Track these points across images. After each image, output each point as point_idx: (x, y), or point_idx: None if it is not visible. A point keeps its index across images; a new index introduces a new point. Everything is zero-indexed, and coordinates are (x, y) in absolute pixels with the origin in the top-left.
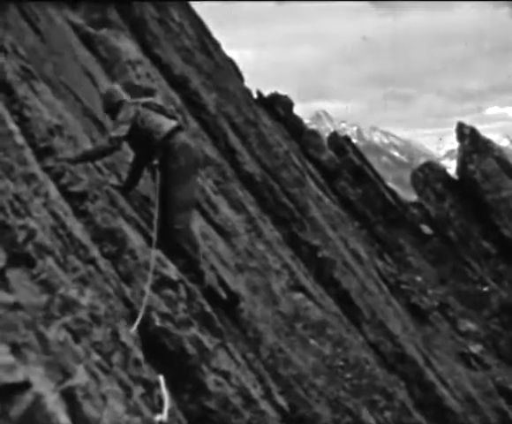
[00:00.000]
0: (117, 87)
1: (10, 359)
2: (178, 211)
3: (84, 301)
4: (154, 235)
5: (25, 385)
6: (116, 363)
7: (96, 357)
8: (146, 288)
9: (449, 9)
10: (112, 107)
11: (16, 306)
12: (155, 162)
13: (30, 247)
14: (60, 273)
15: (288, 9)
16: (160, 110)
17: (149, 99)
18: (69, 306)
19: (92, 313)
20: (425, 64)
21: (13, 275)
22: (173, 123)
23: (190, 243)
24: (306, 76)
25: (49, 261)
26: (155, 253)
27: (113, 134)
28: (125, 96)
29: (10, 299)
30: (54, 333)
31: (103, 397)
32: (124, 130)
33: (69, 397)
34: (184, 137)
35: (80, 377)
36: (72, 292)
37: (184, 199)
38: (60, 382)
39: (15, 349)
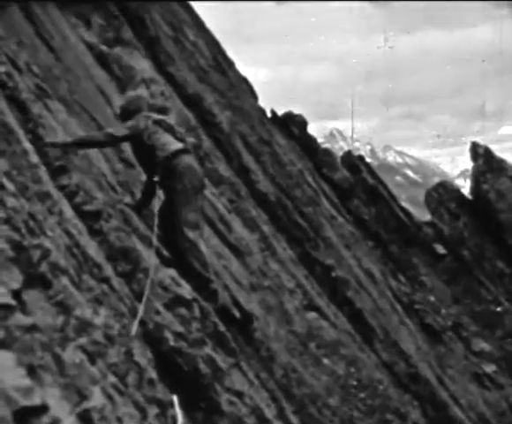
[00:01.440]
0: (145, 95)
1: (27, 382)
2: (185, 230)
3: (98, 321)
4: (152, 253)
5: (42, 408)
6: (131, 384)
7: (112, 378)
8: (146, 290)
9: (464, 28)
10: (127, 114)
11: (33, 328)
12: (156, 179)
13: (45, 267)
14: (75, 293)
15: (301, 28)
16: (170, 130)
17: (162, 117)
18: (84, 327)
19: (106, 332)
20: (440, 83)
21: (30, 296)
22: (179, 145)
23: (199, 262)
24: (320, 95)
25: (64, 280)
26: (168, 271)
27: (109, 130)
28: (145, 108)
29: (27, 321)
30: (70, 355)
31: (119, 420)
32: (121, 132)
33: (85, 419)
34: (188, 159)
35: (96, 399)
36: (88, 313)
37: (190, 218)
38: (76, 404)
39: (32, 371)
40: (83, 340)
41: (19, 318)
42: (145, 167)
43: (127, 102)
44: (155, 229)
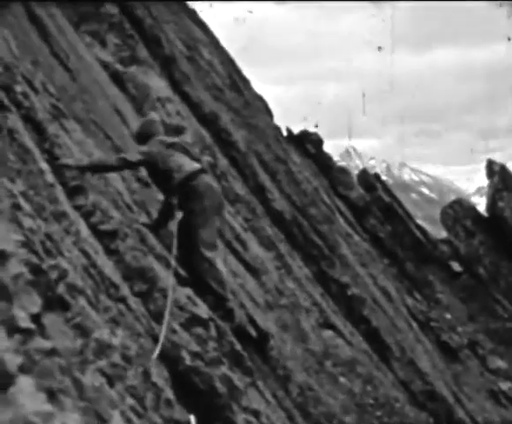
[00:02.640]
0: (158, 119)
1: (47, 407)
2: (203, 250)
3: (116, 342)
4: (170, 278)
5: None
6: (149, 406)
7: (131, 401)
8: (166, 315)
9: (478, 45)
10: (143, 138)
11: (52, 352)
12: (174, 201)
13: (62, 288)
14: (93, 314)
15: (316, 45)
16: (184, 151)
17: (176, 139)
18: (103, 349)
19: (124, 353)
20: (455, 101)
21: (49, 319)
22: (196, 165)
23: (216, 281)
24: (336, 113)
25: (82, 301)
26: (185, 291)
27: (123, 155)
28: (161, 132)
29: (46, 345)
30: (89, 378)
31: None
32: (135, 158)
33: None
34: (207, 179)
35: (116, 423)
36: (106, 335)
37: (208, 239)
38: None
39: (52, 396)
40: (102, 363)
41: (39, 342)
42: (162, 189)
43: (141, 126)
44: (174, 250)
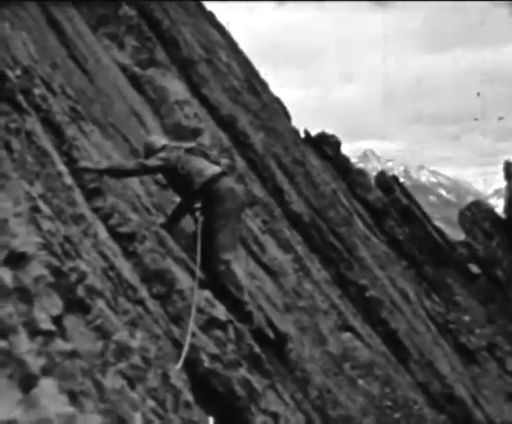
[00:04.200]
0: (155, 137)
1: (69, 409)
2: (221, 253)
3: (135, 344)
4: (195, 282)
5: None
6: (169, 408)
7: (151, 403)
8: (191, 324)
9: (497, 49)
10: (154, 153)
11: (73, 354)
12: (197, 205)
13: (82, 290)
14: (112, 316)
15: (334, 47)
16: (203, 155)
17: (193, 144)
18: (123, 351)
19: (143, 355)
20: (472, 103)
21: (70, 321)
22: (216, 168)
23: (234, 284)
24: (354, 115)
25: (101, 303)
26: (203, 293)
27: (142, 161)
28: (165, 141)
29: (67, 347)
30: (110, 380)
31: None
32: (153, 163)
33: None
34: (229, 182)
35: None
36: (125, 337)
37: (227, 242)
38: None
39: (73, 398)
40: (122, 365)
41: (60, 344)
42: (182, 194)
43: (146, 148)
44: (198, 258)
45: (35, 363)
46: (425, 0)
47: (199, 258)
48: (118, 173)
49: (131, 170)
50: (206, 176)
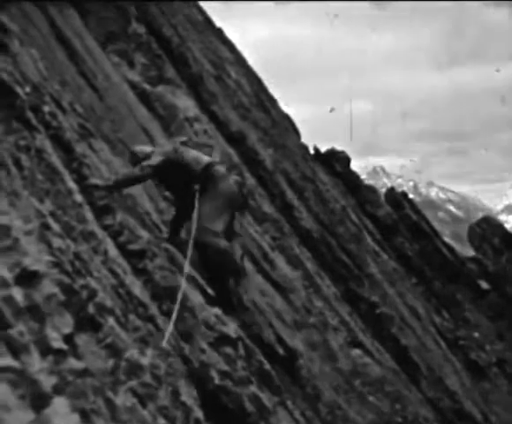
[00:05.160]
0: (137, 148)
1: None
2: (202, 221)
3: (145, 361)
4: (187, 263)
5: None
6: None
7: (162, 421)
8: (178, 302)
9: (506, 66)
10: (144, 159)
11: (85, 373)
12: (196, 187)
13: (92, 308)
14: (123, 334)
15: (342, 65)
16: (197, 147)
17: (186, 138)
18: (134, 369)
19: (154, 373)
20: (482, 119)
21: (81, 339)
22: (208, 158)
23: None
24: (363, 131)
25: (111, 321)
26: (213, 310)
27: (145, 163)
28: (150, 148)
29: (79, 365)
30: (122, 399)
31: None
32: (156, 160)
33: None
34: (223, 169)
35: None
36: (136, 355)
37: (211, 215)
38: None
39: (85, 416)
40: (133, 383)
41: (72, 362)
42: (174, 189)
43: (131, 159)
44: (189, 253)
45: (47, 382)
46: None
47: (189, 253)
48: (127, 183)
49: (139, 176)
50: (203, 163)
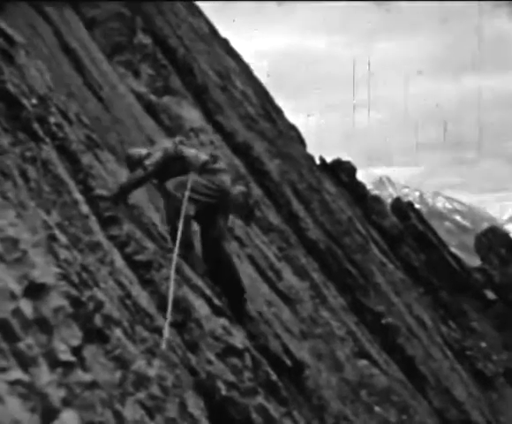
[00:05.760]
0: (133, 150)
1: None
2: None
3: (152, 373)
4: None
5: None
6: None
7: None
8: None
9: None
10: (142, 160)
11: (93, 385)
12: (189, 181)
13: (99, 319)
14: (130, 345)
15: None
16: (194, 147)
17: (183, 138)
18: (142, 381)
19: (161, 384)
20: (487, 129)
21: (89, 352)
22: (207, 156)
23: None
24: (368, 141)
25: (118, 332)
26: (220, 320)
27: (147, 162)
28: (145, 149)
29: (87, 377)
30: (130, 411)
31: None
32: (156, 156)
33: None
34: (223, 166)
35: None
36: (143, 366)
37: None
38: None
39: None
40: (141, 395)
41: (80, 375)
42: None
43: (128, 161)
44: (179, 234)
45: (56, 395)
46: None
47: (179, 234)
48: (132, 186)
49: (143, 176)
50: (201, 159)
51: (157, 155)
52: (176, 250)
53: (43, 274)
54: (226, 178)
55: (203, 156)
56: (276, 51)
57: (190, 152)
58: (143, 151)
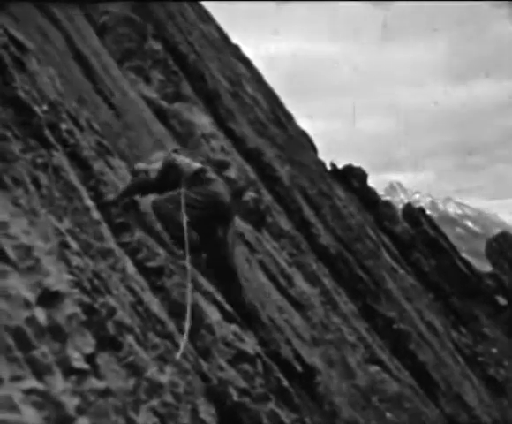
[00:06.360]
0: (138, 164)
1: None
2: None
3: (165, 379)
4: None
5: None
6: None
7: None
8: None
9: None
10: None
11: (106, 393)
12: (182, 190)
13: (111, 326)
14: (142, 352)
15: (357, 81)
16: (189, 156)
17: (177, 147)
18: (155, 388)
19: (173, 391)
20: (497, 134)
21: (102, 359)
22: (200, 164)
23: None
24: (379, 147)
25: (130, 339)
26: (231, 327)
27: (150, 167)
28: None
29: (100, 385)
30: (143, 418)
31: None
32: (157, 165)
33: None
34: (213, 175)
35: None
36: (156, 373)
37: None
38: None
39: None
40: (154, 402)
41: (93, 382)
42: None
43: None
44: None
45: (70, 403)
46: None
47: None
48: (136, 188)
49: (146, 180)
50: (193, 167)
51: (157, 164)
52: (188, 259)
53: (56, 281)
54: (220, 188)
55: (196, 165)
56: (283, 56)
57: (182, 160)
58: (144, 165)
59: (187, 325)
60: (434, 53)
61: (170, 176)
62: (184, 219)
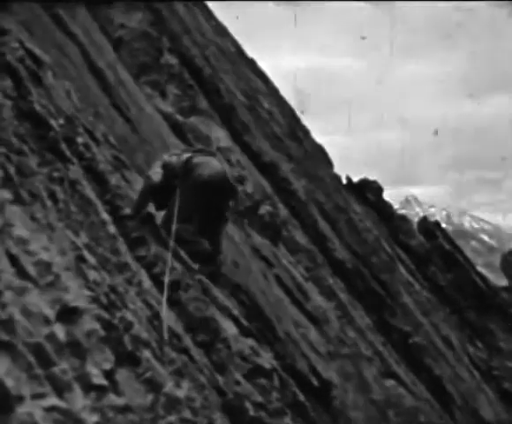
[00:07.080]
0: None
1: None
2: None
3: (181, 394)
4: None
5: None
6: None
7: None
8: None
9: None
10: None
11: (125, 409)
12: (176, 182)
13: (128, 341)
14: (159, 367)
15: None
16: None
17: (177, 151)
18: (173, 403)
19: (190, 405)
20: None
21: (121, 375)
22: (190, 154)
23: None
24: (394, 161)
25: (147, 353)
26: (248, 341)
27: (150, 172)
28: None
29: (119, 401)
30: None
31: None
32: (158, 171)
33: None
34: (203, 159)
35: None
36: (173, 388)
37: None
38: None
39: None
40: (172, 418)
41: (112, 399)
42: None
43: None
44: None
45: (90, 420)
46: None
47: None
48: (146, 196)
49: (152, 183)
50: (184, 158)
51: (157, 167)
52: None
53: (75, 297)
54: (205, 170)
55: (185, 155)
56: (298, 69)
57: (173, 157)
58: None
59: (165, 294)
60: (454, 65)
61: (168, 175)
62: (175, 211)
